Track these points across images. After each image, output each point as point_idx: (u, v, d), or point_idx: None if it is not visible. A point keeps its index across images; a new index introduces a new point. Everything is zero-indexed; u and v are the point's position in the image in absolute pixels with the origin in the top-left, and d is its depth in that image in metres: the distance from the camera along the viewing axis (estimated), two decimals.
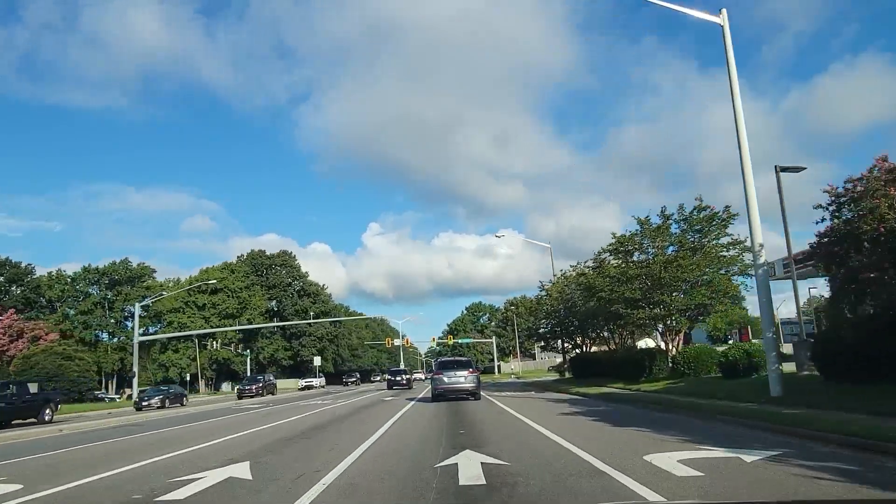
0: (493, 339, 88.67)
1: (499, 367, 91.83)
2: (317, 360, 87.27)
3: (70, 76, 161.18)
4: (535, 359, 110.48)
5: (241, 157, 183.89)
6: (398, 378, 45.05)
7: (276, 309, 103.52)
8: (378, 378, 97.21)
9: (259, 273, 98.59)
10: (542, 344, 41.88)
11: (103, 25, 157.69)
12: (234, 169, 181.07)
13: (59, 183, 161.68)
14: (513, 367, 73.70)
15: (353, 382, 77.73)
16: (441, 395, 22.89)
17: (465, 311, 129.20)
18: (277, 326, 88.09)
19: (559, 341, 40.53)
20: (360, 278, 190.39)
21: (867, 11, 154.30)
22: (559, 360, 45.48)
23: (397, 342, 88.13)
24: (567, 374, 41.42)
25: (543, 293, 39.58)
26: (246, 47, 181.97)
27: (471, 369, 23.92)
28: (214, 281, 78.07)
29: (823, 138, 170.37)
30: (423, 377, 70.18)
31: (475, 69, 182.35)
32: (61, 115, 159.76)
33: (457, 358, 31.69)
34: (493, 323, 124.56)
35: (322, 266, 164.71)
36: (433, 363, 48.20)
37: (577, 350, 39.74)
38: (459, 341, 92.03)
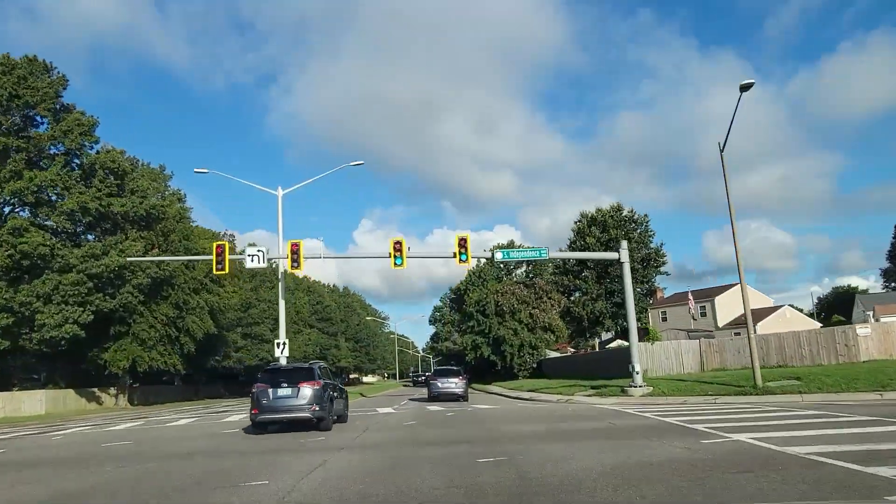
0: (625, 245, 25.65)
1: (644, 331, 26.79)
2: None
3: (7, 49, 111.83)
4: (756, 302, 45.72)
5: (218, 148, 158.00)
6: (417, 380, 73.53)
7: None
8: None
9: None
10: None
11: None
12: (213, 162, 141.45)
13: None
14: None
15: None
16: (436, 397, 27.76)
17: (485, 261, 62.17)
18: None
19: None
20: (353, 277, 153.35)
21: None
22: None
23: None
24: None
25: None
26: (201, 21, 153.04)
27: (461, 377, 28.23)
28: None
29: (830, 125, 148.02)
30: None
31: (454, 47, 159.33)
32: None
33: (449, 367, 35.57)
34: (547, 270, 60.29)
35: (316, 264, 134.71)
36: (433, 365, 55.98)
37: None
38: (506, 256, 26.55)
